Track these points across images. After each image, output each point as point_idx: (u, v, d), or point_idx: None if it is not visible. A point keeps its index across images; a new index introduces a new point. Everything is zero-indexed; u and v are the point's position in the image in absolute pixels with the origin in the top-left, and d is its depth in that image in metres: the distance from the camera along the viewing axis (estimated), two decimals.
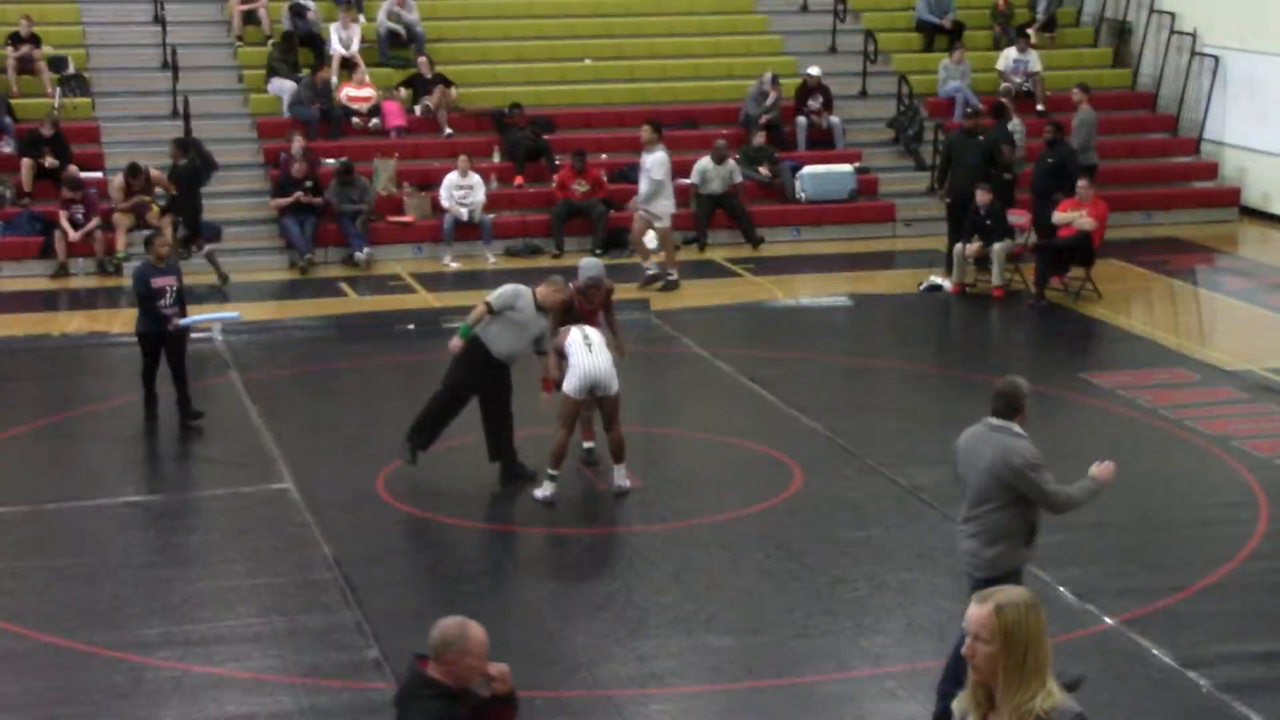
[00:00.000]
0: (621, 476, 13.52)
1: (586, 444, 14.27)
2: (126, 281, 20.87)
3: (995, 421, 9.60)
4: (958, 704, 5.70)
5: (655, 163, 20.50)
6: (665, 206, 20.64)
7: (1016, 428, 9.53)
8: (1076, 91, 23.67)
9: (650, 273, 20.79)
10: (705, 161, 23.10)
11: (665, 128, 24.80)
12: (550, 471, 13.34)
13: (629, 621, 11.09)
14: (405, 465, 13.80)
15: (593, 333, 13.41)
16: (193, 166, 21.22)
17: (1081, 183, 20.25)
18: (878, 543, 12.60)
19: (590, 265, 14.43)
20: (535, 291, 13.75)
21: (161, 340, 15.08)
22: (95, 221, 21.32)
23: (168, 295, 15.04)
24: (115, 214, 21.47)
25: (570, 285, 14.07)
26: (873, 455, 14.44)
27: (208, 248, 20.92)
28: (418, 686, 6.45)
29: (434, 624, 6.47)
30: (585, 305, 14.12)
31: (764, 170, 24.02)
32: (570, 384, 13.20)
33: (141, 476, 14.30)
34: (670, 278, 20.69)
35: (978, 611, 5.57)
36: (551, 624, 11.12)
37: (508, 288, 13.74)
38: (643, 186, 20.74)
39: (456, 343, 13.73)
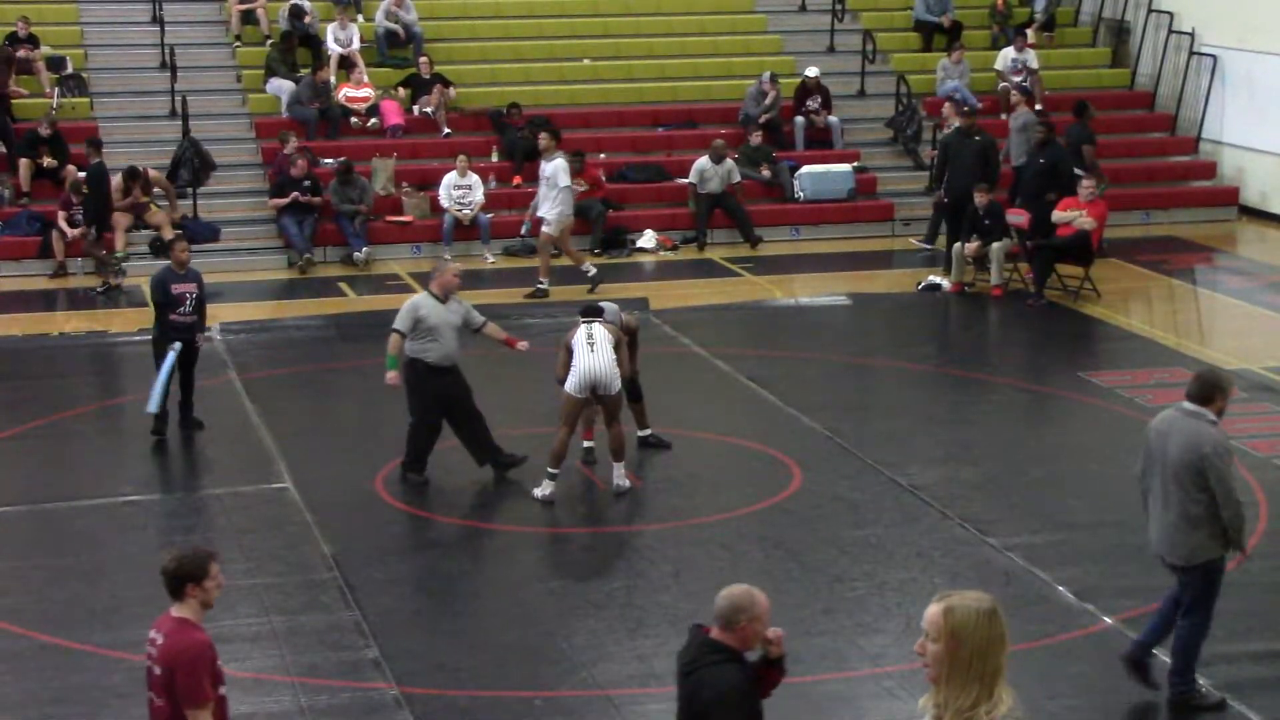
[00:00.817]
0: (620, 475, 13.53)
1: (586, 444, 14.27)
2: (125, 281, 20.91)
3: (1189, 406, 9.56)
4: (920, 703, 5.69)
5: (555, 169, 20.07)
6: (557, 213, 20.16)
7: (1210, 414, 9.42)
8: (1015, 94, 23.54)
9: (591, 274, 20.59)
10: (704, 161, 23.11)
11: (665, 127, 24.97)
12: (550, 470, 13.35)
13: (628, 621, 11.09)
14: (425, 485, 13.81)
15: (598, 330, 13.36)
16: (100, 171, 21.18)
17: (1086, 182, 20.25)
18: (877, 542, 12.60)
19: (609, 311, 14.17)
20: (431, 286, 13.90)
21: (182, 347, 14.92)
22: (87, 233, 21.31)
23: (187, 302, 14.94)
24: (114, 214, 21.47)
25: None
26: (872, 454, 14.44)
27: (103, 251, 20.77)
28: (708, 652, 6.72)
29: (721, 592, 6.72)
30: None
31: (763, 170, 24.02)
32: (571, 382, 13.21)
33: (140, 476, 14.29)
34: (540, 286, 20.25)
35: (931, 610, 5.54)
36: (551, 623, 11.11)
37: (403, 306, 13.87)
38: (541, 192, 20.37)
39: (392, 376, 13.87)
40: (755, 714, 6.78)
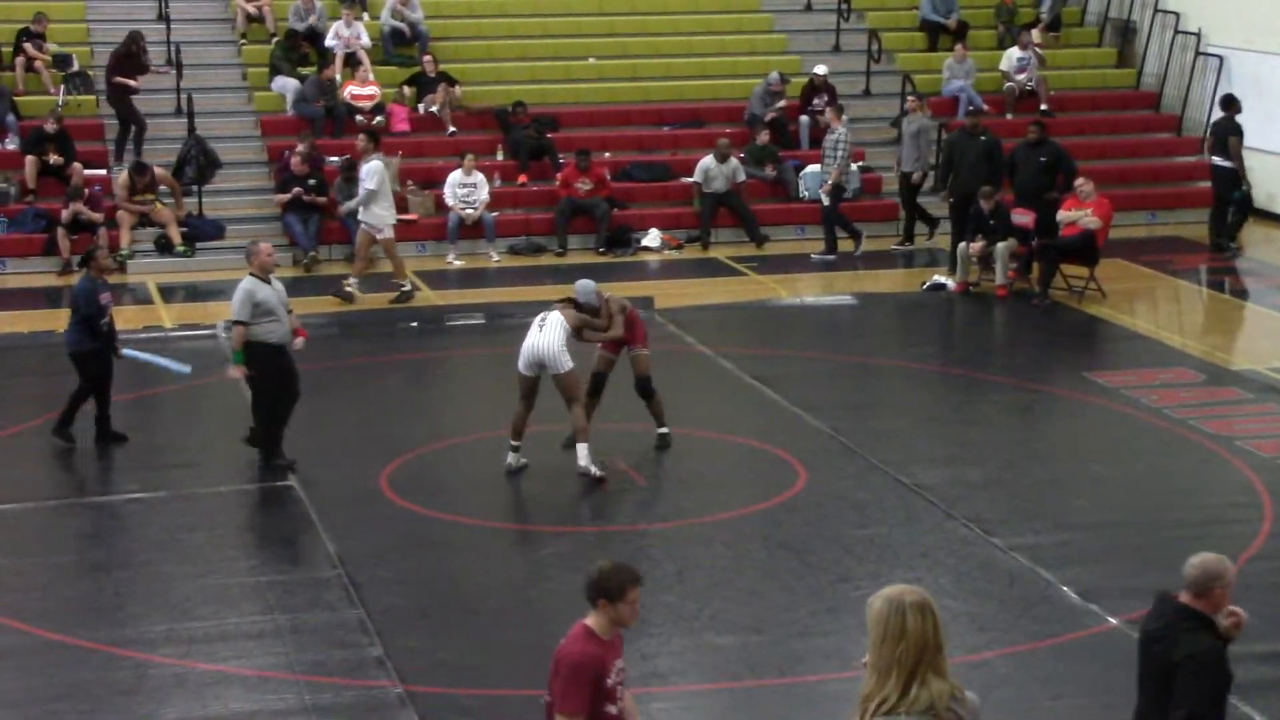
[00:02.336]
0: (584, 457, 13.58)
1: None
2: (130, 278, 20.94)
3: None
4: (861, 694, 5.85)
5: (369, 171, 19.54)
6: (384, 216, 19.63)
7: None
8: (911, 99, 23.48)
9: (394, 288, 20.01)
10: (708, 160, 23.10)
11: (671, 126, 24.95)
12: (511, 442, 13.83)
13: None
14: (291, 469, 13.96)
15: (553, 314, 13.72)
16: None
17: (1079, 180, 20.24)
18: (881, 541, 12.59)
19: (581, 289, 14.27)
20: (251, 269, 14.03)
21: (102, 357, 14.70)
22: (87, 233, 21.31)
23: (109, 311, 14.82)
24: (119, 211, 21.48)
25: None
26: (876, 454, 14.43)
27: None
28: (1182, 619, 6.96)
29: (1192, 560, 7.00)
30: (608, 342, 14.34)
31: (768, 169, 23.99)
32: (519, 360, 13.70)
33: (144, 473, 14.27)
34: (404, 289, 19.92)
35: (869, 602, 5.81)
36: (554, 622, 11.07)
37: (236, 295, 13.93)
38: (360, 194, 19.91)
39: (237, 370, 14.00)
40: (1227, 679, 7.03)
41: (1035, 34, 26.69)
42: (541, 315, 13.80)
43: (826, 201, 22.45)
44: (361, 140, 20.31)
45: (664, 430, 14.63)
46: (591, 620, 7.22)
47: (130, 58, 23.08)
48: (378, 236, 19.80)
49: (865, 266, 22.11)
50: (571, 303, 13.97)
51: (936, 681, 5.62)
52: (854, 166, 23.38)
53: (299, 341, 14.31)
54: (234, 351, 13.96)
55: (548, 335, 13.59)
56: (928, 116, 23.31)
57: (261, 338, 13.85)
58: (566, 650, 7.17)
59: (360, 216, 19.85)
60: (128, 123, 22.89)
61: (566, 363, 13.55)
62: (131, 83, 22.82)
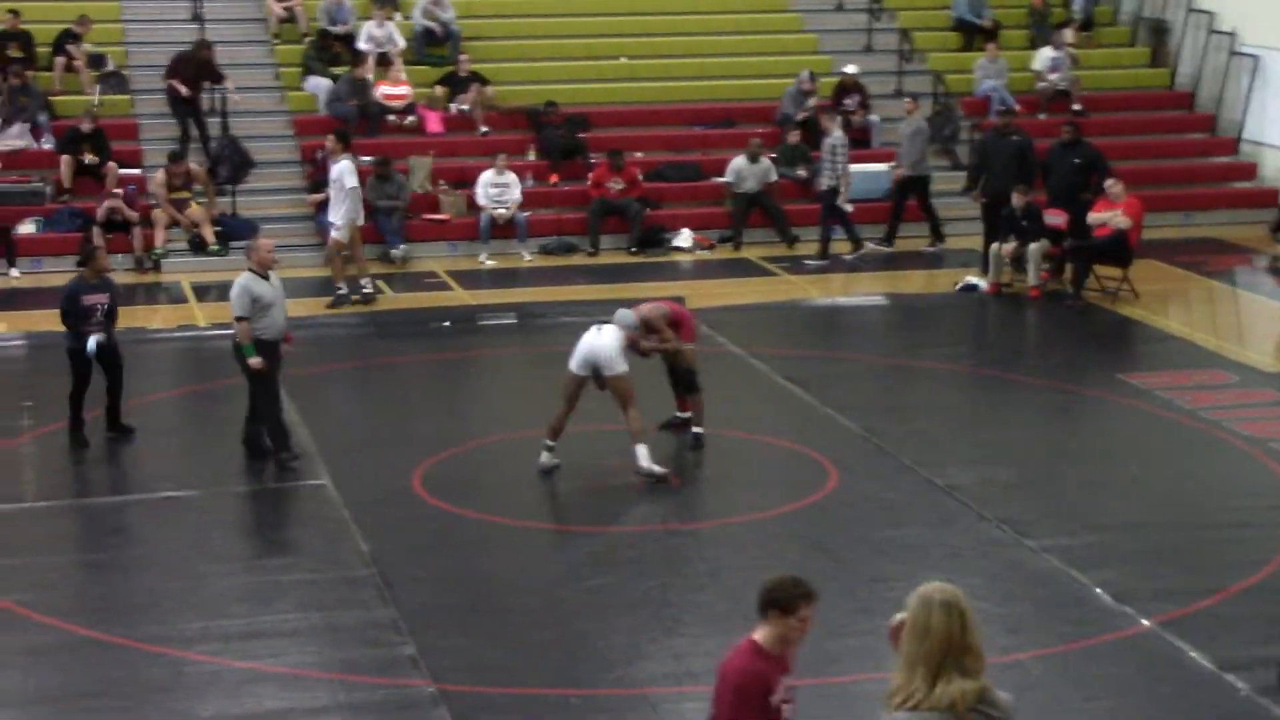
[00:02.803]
0: (644, 458, 13.68)
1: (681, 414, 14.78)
2: (164, 278, 21.05)
3: None
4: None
5: (342, 170, 19.47)
6: (345, 217, 19.54)
7: None
8: (908, 101, 23.42)
9: (365, 290, 19.91)
10: (740, 160, 23.11)
11: (703, 126, 24.94)
12: (546, 442, 13.88)
13: (665, 620, 11.10)
14: (298, 461, 14.17)
15: (608, 326, 13.89)
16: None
17: (1109, 181, 20.19)
18: (913, 542, 12.58)
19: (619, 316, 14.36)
20: (251, 264, 14.19)
21: (98, 356, 14.75)
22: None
23: (98, 313, 14.75)
24: (154, 211, 21.58)
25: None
26: (908, 455, 14.42)
27: None
28: None
29: None
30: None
31: (800, 169, 23.97)
32: (572, 360, 13.85)
33: (180, 471, 14.34)
34: (340, 292, 19.74)
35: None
36: (587, 621, 11.13)
37: (234, 292, 14.07)
38: (333, 196, 19.86)
39: (257, 361, 14.06)
40: None
41: (1068, 33, 26.61)
42: (598, 325, 13.97)
43: (850, 207, 22.51)
44: (330, 140, 20.30)
45: (698, 430, 14.66)
46: (760, 634, 6.90)
47: (190, 63, 23.10)
48: (333, 234, 19.75)
49: (867, 268, 22.10)
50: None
51: (961, 681, 5.63)
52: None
53: (285, 347, 14.44)
54: (244, 346, 14.07)
55: (606, 338, 13.75)
56: (923, 117, 23.22)
57: (258, 333, 14.05)
58: (731, 666, 6.89)
59: (332, 217, 19.64)
60: (185, 127, 22.98)
61: (621, 365, 13.71)
62: (182, 89, 22.89)
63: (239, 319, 14.01)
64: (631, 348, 14.05)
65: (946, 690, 5.64)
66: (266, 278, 14.15)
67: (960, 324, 19.89)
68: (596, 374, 13.76)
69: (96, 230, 21.16)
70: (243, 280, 14.07)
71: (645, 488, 13.66)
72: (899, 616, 5.82)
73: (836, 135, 22.44)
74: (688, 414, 14.84)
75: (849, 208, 22.47)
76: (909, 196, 23.04)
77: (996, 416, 16.00)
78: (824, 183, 22.50)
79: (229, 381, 15.73)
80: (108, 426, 14.94)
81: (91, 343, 14.64)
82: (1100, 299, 19.99)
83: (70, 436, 14.78)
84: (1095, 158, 21.11)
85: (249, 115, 23.87)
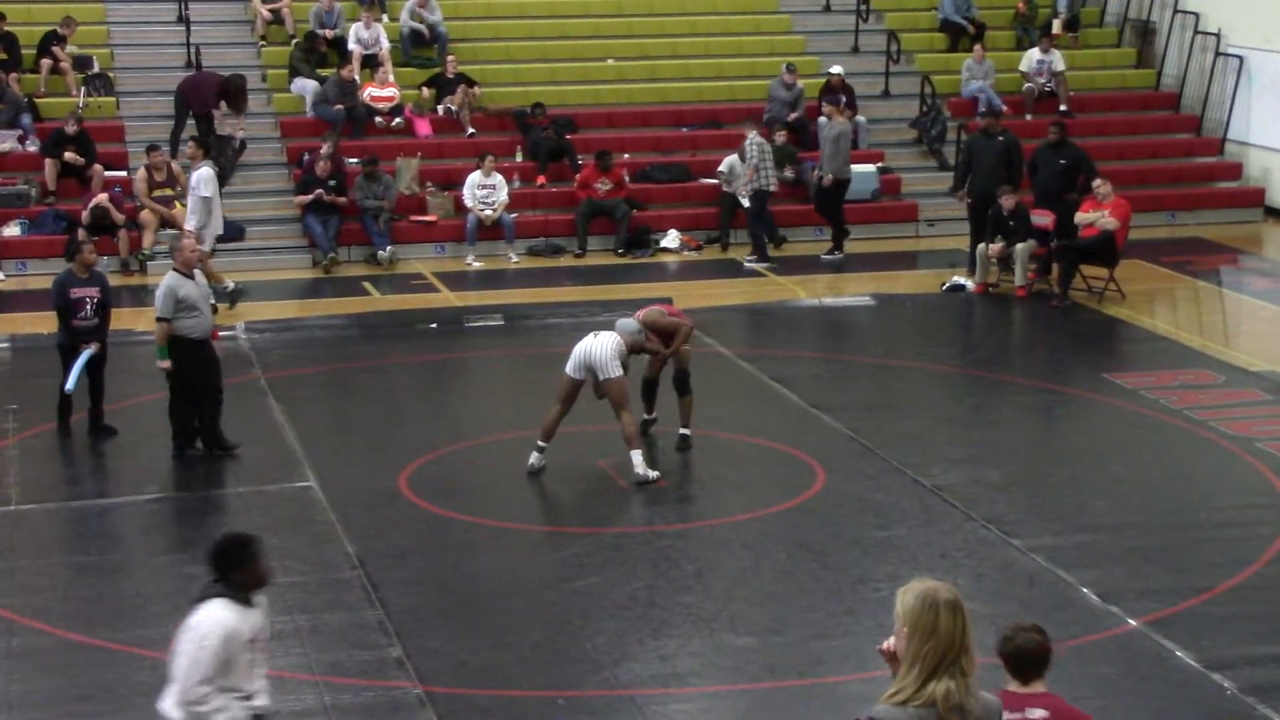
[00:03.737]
0: (639, 464, 13.69)
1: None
2: (150, 279, 20.99)
3: None
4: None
5: (201, 179, 19.22)
6: (197, 225, 18.98)
7: None
8: (826, 105, 23.34)
9: (230, 289, 19.65)
10: (733, 158, 23.01)
11: (690, 127, 24.94)
12: (539, 443, 13.92)
13: (651, 621, 11.10)
14: (236, 456, 14.36)
15: (605, 331, 13.97)
16: None
17: (1096, 181, 20.22)
18: (900, 543, 12.59)
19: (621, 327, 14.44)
20: (175, 264, 14.27)
21: (81, 352, 14.91)
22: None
23: (88, 307, 14.92)
24: (142, 214, 21.54)
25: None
26: (895, 455, 14.42)
27: None
28: None
29: None
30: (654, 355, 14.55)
31: (787, 170, 23.97)
32: (568, 363, 13.91)
33: (164, 475, 14.32)
34: (229, 289, 19.57)
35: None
36: (574, 623, 11.12)
37: (159, 292, 14.20)
38: (190, 203, 19.57)
39: (165, 364, 14.20)
40: None
41: (1056, 24, 26.62)
42: (594, 331, 14.08)
43: (747, 204, 22.57)
44: (190, 147, 20.23)
45: (686, 432, 14.66)
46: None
47: (220, 93, 23.06)
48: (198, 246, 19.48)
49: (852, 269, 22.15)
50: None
51: (948, 680, 5.63)
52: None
53: (216, 343, 14.72)
54: (158, 347, 14.21)
55: (601, 341, 13.81)
56: (847, 121, 23.11)
57: (184, 333, 14.16)
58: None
59: (192, 226, 19.04)
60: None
61: (616, 370, 13.73)
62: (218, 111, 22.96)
63: (160, 319, 14.13)
64: (637, 352, 14.12)
65: (935, 689, 5.63)
66: (191, 277, 14.26)
67: (947, 324, 19.90)
68: (593, 378, 13.79)
69: (82, 232, 21.11)
70: (169, 281, 14.17)
71: (632, 489, 13.65)
72: (889, 641, 5.78)
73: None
74: (654, 417, 14.87)
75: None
76: (840, 199, 22.83)
77: (983, 417, 16.02)
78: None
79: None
80: (90, 428, 15.02)
81: (84, 355, 14.83)
82: (1086, 299, 20.02)
83: (58, 427, 15.03)
84: (1081, 158, 21.13)
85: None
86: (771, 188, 22.47)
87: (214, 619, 7.45)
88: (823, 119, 23.22)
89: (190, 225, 19.18)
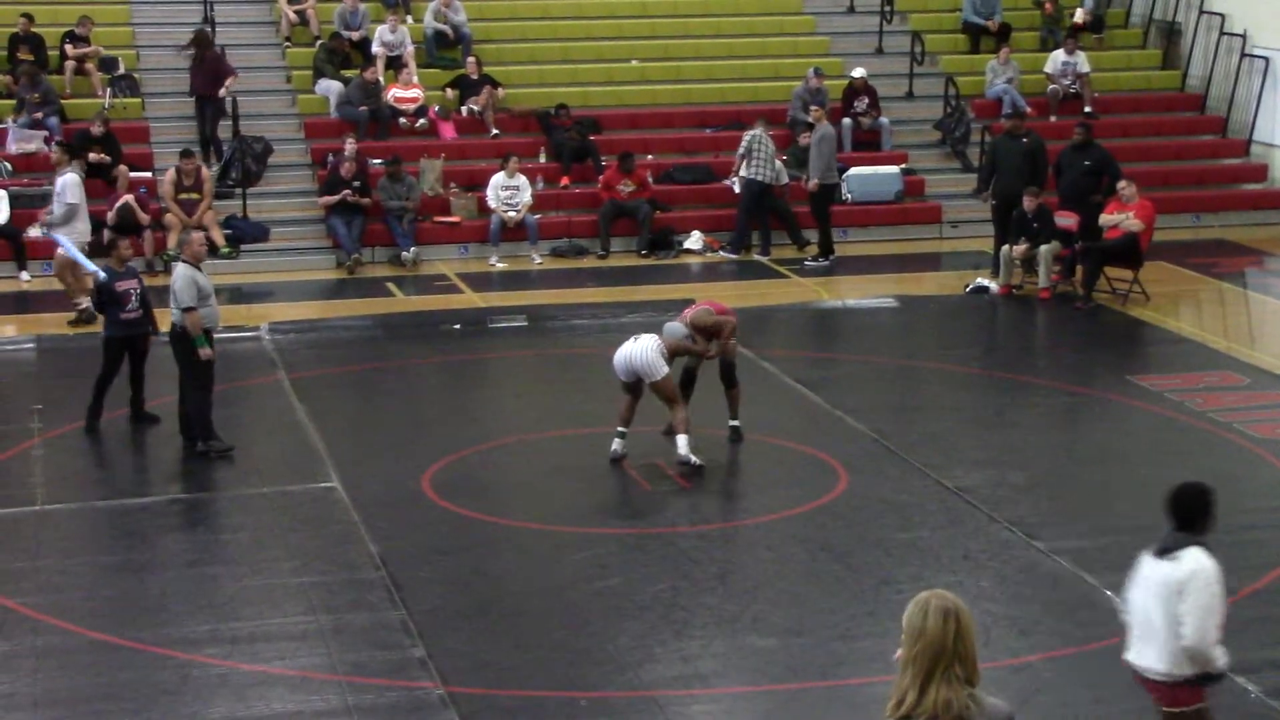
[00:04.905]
0: (683, 446, 13.93)
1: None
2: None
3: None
4: None
5: (66, 185, 19.00)
6: (77, 231, 18.97)
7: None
8: (815, 110, 23.23)
9: (81, 307, 18.85)
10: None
11: (713, 129, 24.93)
12: (618, 429, 14.21)
13: (674, 622, 11.09)
14: (230, 452, 14.48)
15: (645, 336, 14.14)
16: None
17: (1121, 183, 20.17)
18: (923, 545, 12.56)
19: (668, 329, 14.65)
20: (184, 258, 14.59)
21: (129, 344, 15.12)
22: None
23: (133, 299, 15.09)
24: (167, 215, 21.60)
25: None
26: (918, 457, 14.40)
27: None
28: None
29: None
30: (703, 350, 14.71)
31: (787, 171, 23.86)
32: (615, 362, 14.15)
33: (189, 474, 14.37)
34: (80, 306, 18.89)
35: None
36: (596, 624, 11.13)
37: (178, 284, 14.39)
38: (55, 210, 19.24)
39: (207, 352, 14.39)
40: None
41: (1080, 13, 26.54)
42: (633, 338, 14.21)
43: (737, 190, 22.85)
44: (55, 152, 20.18)
45: (736, 423, 14.84)
46: None
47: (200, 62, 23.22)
48: (59, 252, 19.08)
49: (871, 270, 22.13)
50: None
51: (946, 689, 5.65)
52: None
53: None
54: (196, 336, 14.35)
55: (642, 345, 13.98)
56: (829, 125, 22.98)
57: (202, 322, 14.40)
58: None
59: (55, 235, 18.92)
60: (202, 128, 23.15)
61: (661, 370, 13.96)
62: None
63: (189, 309, 14.27)
64: (680, 354, 14.36)
65: (936, 698, 5.67)
66: (199, 269, 14.50)
67: (970, 326, 19.87)
68: (639, 380, 14.03)
69: (107, 233, 21.17)
70: (186, 272, 14.41)
71: (655, 490, 13.65)
72: (900, 652, 5.83)
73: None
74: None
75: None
76: (826, 204, 22.74)
77: (1006, 418, 15.98)
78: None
79: (240, 384, 15.78)
80: (132, 416, 15.26)
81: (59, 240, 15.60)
82: (1111, 301, 19.97)
83: (87, 421, 15.12)
84: (1106, 160, 21.07)
85: (260, 118, 23.91)
86: (765, 180, 22.41)
87: (1208, 565, 7.80)
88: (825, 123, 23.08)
89: (60, 235, 18.85)
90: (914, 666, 5.68)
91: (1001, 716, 5.78)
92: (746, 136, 22.65)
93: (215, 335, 14.78)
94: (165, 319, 14.97)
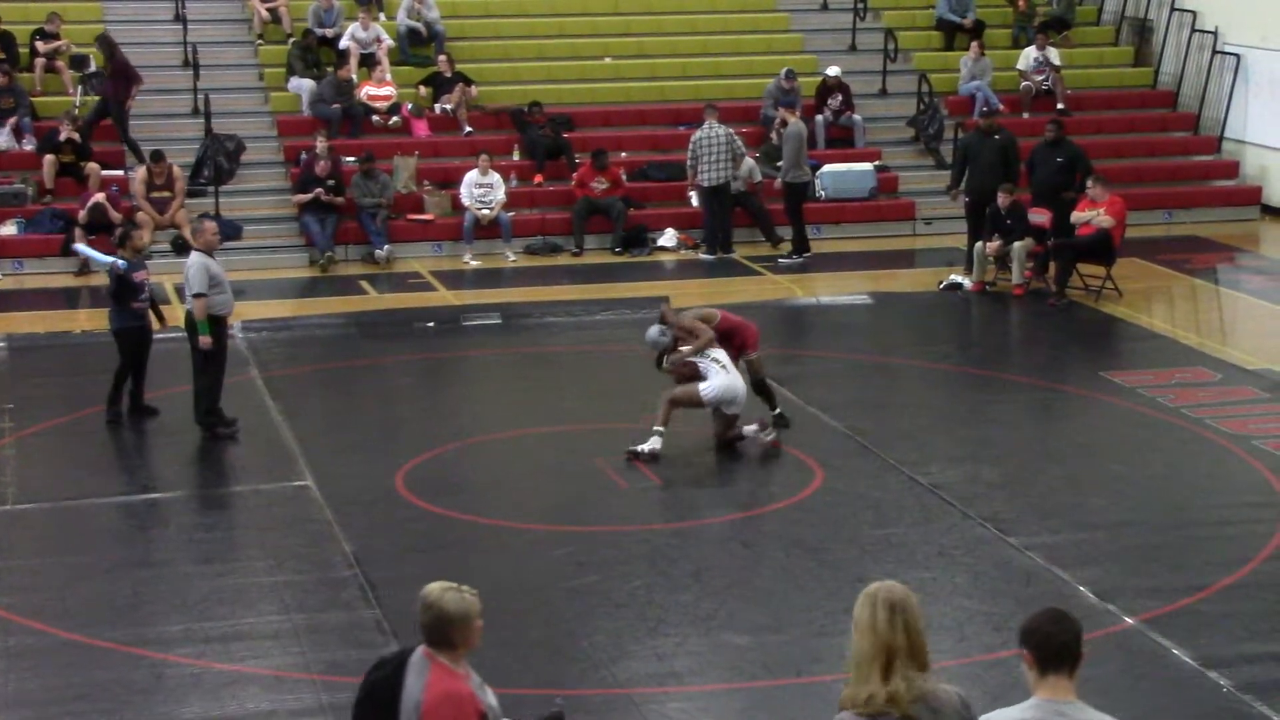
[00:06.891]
0: (651, 442, 14.10)
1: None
2: (151, 277, 20.93)
3: None
4: None
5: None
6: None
7: None
8: (782, 110, 23.25)
9: None
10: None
11: (687, 126, 24.92)
12: (656, 428, 14.17)
13: (649, 620, 11.09)
14: (233, 436, 14.76)
15: (720, 353, 14.38)
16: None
17: (1089, 182, 20.23)
18: (897, 541, 12.58)
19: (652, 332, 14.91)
20: (197, 246, 14.83)
21: (142, 335, 15.25)
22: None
23: (146, 289, 15.29)
24: (138, 213, 21.52)
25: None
26: (893, 453, 14.42)
27: None
28: None
29: None
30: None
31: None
32: (709, 391, 14.13)
33: (161, 473, 14.33)
34: None
35: None
36: (571, 622, 11.12)
37: (192, 271, 14.56)
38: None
39: (207, 340, 14.56)
40: None
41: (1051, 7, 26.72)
42: (714, 358, 14.36)
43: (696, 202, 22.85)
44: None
45: (778, 410, 15.00)
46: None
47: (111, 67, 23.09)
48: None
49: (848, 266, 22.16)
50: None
51: (902, 680, 5.68)
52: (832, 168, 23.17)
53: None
54: (200, 323, 14.52)
55: (736, 374, 14.36)
56: (799, 122, 22.94)
57: (214, 310, 14.56)
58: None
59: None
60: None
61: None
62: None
63: (199, 295, 14.43)
64: (667, 354, 14.55)
65: (890, 690, 5.70)
66: (212, 257, 14.67)
67: (944, 322, 19.90)
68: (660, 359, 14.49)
69: (79, 231, 21.11)
70: (200, 259, 14.57)
71: (630, 488, 13.65)
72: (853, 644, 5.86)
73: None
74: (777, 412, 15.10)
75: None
76: (799, 201, 22.68)
77: (981, 415, 16.01)
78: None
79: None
80: (131, 408, 15.37)
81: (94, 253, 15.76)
82: (1084, 297, 20.02)
83: (107, 411, 15.29)
84: (1078, 156, 21.13)
85: (232, 116, 23.83)
86: (716, 183, 22.26)
87: None
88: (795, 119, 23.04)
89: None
90: (868, 663, 5.71)
91: (956, 707, 5.80)
92: (691, 141, 22.43)
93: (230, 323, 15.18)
94: (182, 312, 15.21)
